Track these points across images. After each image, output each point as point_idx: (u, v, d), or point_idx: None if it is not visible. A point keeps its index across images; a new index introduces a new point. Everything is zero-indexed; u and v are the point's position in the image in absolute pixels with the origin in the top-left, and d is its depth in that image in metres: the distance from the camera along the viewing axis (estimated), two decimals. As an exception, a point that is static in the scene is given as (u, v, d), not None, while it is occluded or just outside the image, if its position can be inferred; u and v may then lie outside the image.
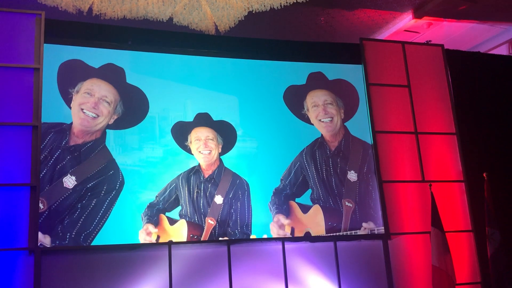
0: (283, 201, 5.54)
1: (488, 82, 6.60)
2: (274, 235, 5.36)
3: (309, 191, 5.65)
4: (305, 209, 5.60)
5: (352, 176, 5.77)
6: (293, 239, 5.39)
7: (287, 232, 5.43)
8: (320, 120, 5.86)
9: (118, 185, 5.01)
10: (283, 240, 5.33)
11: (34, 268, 4.52)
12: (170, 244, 4.98)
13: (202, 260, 5.05)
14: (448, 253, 5.33)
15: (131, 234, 5.00)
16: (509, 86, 6.70)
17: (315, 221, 5.57)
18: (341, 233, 5.55)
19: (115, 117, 5.20)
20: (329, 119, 5.89)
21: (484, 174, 5.71)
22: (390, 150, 5.88)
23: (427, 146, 6.01)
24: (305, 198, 5.64)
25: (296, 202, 5.60)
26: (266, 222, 5.42)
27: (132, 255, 4.88)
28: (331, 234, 5.51)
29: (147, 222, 5.06)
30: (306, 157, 5.73)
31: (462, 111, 6.30)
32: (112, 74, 5.30)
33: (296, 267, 5.30)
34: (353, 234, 5.59)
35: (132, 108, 5.30)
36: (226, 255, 5.12)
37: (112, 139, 5.19)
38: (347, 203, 5.67)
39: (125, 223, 5.01)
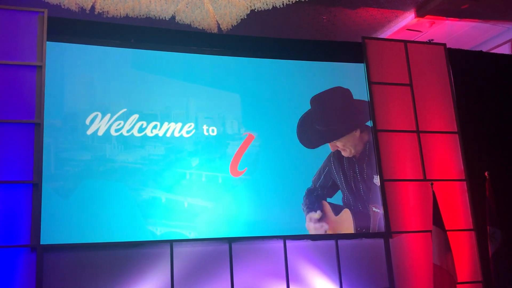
0: (314, 200, 5.60)
1: (490, 81, 6.60)
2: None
3: (340, 193, 5.71)
4: (336, 210, 5.64)
5: (377, 180, 5.78)
6: (295, 237, 5.39)
7: (324, 224, 5.53)
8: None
9: None
10: (284, 238, 5.34)
11: (36, 265, 4.54)
12: (171, 242, 5.00)
13: (203, 257, 5.06)
14: (449, 251, 5.34)
15: (133, 232, 5.01)
16: (511, 85, 6.69)
17: (345, 225, 5.61)
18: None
19: None
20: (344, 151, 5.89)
21: (486, 173, 5.71)
22: (392, 149, 5.88)
23: (429, 145, 6.01)
24: (337, 198, 5.70)
25: (328, 202, 5.65)
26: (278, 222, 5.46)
27: (134, 252, 4.89)
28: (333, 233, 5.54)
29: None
30: (334, 162, 5.77)
31: (464, 110, 6.30)
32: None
33: (297, 265, 5.31)
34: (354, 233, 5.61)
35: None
36: (227, 252, 5.13)
37: (115, 138, 5.20)
38: (374, 209, 5.70)
39: (127, 221, 5.03)
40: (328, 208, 5.63)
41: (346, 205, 5.70)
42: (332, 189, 5.71)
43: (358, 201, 5.72)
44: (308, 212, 5.53)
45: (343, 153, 5.83)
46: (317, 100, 5.92)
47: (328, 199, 5.66)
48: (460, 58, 6.54)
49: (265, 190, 5.53)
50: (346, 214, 5.65)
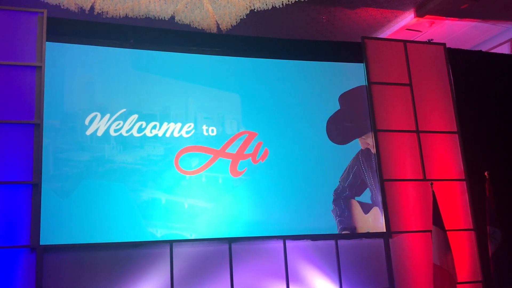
0: (343, 208, 5.64)
1: (490, 81, 6.60)
2: None
3: (369, 191, 5.76)
4: (365, 208, 5.71)
5: None
6: (295, 237, 5.39)
7: None
8: None
9: None
10: (284, 238, 5.34)
11: (36, 265, 4.53)
12: (171, 242, 4.99)
13: (203, 258, 5.06)
14: (449, 251, 5.34)
15: (133, 234, 5.00)
16: (511, 84, 6.69)
17: (374, 223, 5.66)
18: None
19: None
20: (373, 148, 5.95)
21: (486, 173, 5.71)
22: (392, 149, 5.88)
23: (429, 145, 6.01)
24: (365, 197, 5.76)
25: (357, 201, 5.69)
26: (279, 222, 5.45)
27: (134, 253, 4.89)
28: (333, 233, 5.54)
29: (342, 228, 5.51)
30: (363, 160, 5.84)
31: (463, 109, 6.30)
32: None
33: (297, 265, 5.31)
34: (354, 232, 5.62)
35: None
36: (227, 253, 5.13)
37: (114, 138, 5.20)
38: None
39: (127, 222, 5.02)
40: (357, 206, 5.67)
41: (375, 203, 5.73)
42: (360, 188, 5.77)
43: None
44: (341, 229, 5.57)
45: (372, 150, 5.88)
46: (345, 97, 6.01)
47: (357, 198, 5.71)
48: (460, 58, 6.54)
49: (265, 190, 5.52)
50: (375, 212, 5.69)
